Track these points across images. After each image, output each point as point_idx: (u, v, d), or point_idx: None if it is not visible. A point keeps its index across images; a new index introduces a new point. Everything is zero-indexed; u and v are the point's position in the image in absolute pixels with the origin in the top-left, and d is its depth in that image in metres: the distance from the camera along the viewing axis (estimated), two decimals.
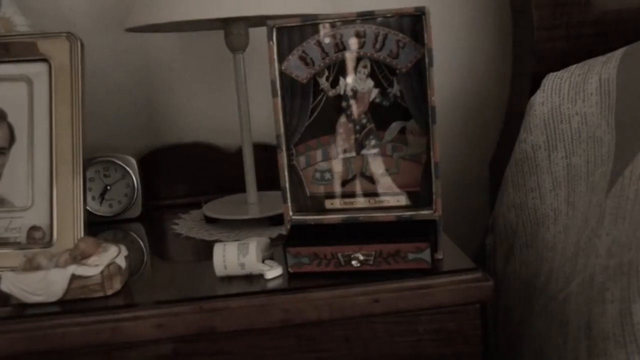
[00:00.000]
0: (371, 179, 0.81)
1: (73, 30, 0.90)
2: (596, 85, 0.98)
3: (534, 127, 1.03)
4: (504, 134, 1.24)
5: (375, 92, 0.79)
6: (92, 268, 0.75)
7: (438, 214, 0.78)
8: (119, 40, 1.20)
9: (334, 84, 0.79)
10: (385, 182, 0.80)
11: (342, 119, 0.80)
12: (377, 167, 0.80)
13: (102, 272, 0.76)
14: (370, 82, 0.79)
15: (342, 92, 0.80)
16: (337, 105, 0.80)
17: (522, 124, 1.06)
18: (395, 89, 0.78)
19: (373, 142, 0.80)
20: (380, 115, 0.79)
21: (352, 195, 0.81)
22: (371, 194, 0.81)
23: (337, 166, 0.81)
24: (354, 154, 0.81)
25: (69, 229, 0.86)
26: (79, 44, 0.89)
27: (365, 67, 0.78)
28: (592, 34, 1.12)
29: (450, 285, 0.75)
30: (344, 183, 0.81)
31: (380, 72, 0.78)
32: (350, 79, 0.79)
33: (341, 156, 0.81)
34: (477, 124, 1.31)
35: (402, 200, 0.80)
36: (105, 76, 1.21)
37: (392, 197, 0.80)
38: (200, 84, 1.24)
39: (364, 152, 0.80)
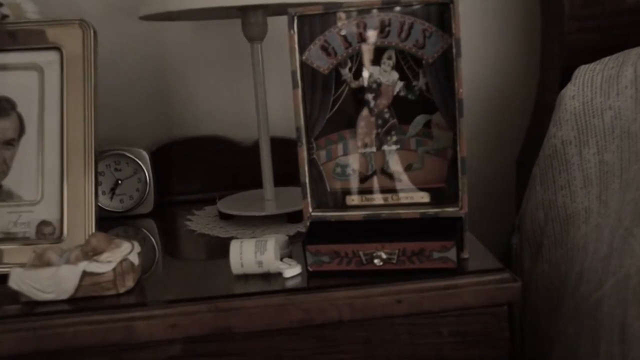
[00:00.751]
0: (392, 176, 0.80)
1: (85, 18, 0.90)
2: (631, 77, 0.97)
3: (564, 122, 1.02)
4: (533, 129, 1.23)
5: (400, 85, 0.78)
6: (104, 265, 0.75)
7: (464, 212, 0.78)
8: (132, 28, 1.20)
9: (357, 75, 0.79)
10: (408, 178, 0.80)
11: (364, 113, 0.80)
12: (399, 162, 0.80)
13: (114, 269, 0.76)
14: (395, 75, 0.78)
15: (365, 84, 0.79)
16: (360, 98, 0.79)
17: (552, 119, 1.05)
18: (421, 82, 0.78)
19: (395, 138, 0.79)
20: (404, 109, 0.79)
21: (374, 191, 0.81)
22: (392, 190, 0.80)
23: (359, 161, 0.81)
24: (374, 149, 0.80)
25: (80, 224, 0.86)
26: (91, 31, 0.89)
27: (390, 58, 0.78)
28: (627, 23, 1.11)
29: (477, 286, 0.74)
30: (365, 178, 0.81)
31: (405, 64, 0.78)
32: (374, 71, 0.78)
33: (361, 151, 0.80)
34: (504, 118, 1.30)
35: (426, 197, 0.80)
36: (118, 66, 1.21)
37: (416, 193, 0.80)
38: (216, 75, 1.24)
39: (385, 147, 0.80)
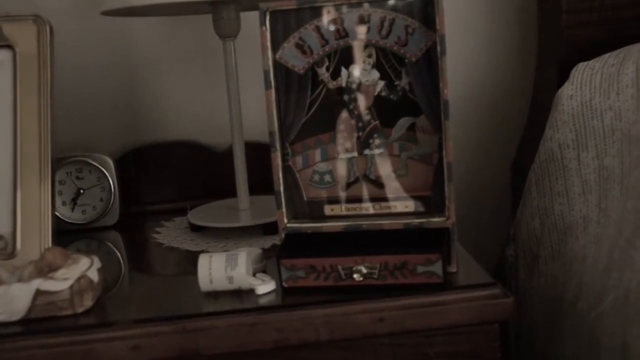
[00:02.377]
0: (376, 182, 0.80)
1: (41, 13, 0.90)
2: (633, 76, 0.97)
3: (562, 124, 1.02)
4: (528, 131, 1.23)
5: (381, 84, 0.78)
6: (60, 282, 0.75)
7: (451, 222, 0.78)
8: (94, 24, 1.19)
9: (335, 75, 0.79)
10: (391, 185, 0.80)
11: (344, 115, 0.80)
12: (383, 168, 0.80)
13: (71, 287, 0.75)
14: (375, 74, 0.78)
15: (344, 85, 0.79)
16: (339, 99, 0.79)
17: (548, 121, 1.05)
18: (403, 82, 0.78)
19: (378, 141, 0.79)
20: (386, 110, 0.79)
21: (356, 200, 0.81)
22: (377, 198, 0.80)
23: (339, 167, 0.81)
24: (355, 154, 0.80)
25: (35, 238, 0.86)
26: (47, 28, 0.89)
27: (370, 56, 0.78)
28: (629, 17, 1.11)
29: (466, 302, 0.74)
30: (347, 186, 0.81)
31: (387, 62, 0.78)
32: (353, 70, 0.78)
33: (342, 156, 0.80)
34: (496, 120, 1.31)
35: (411, 205, 0.80)
36: (78, 65, 1.21)
37: (400, 202, 0.80)
38: (186, 75, 1.24)
39: (367, 152, 0.80)
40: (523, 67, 1.28)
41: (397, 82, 0.78)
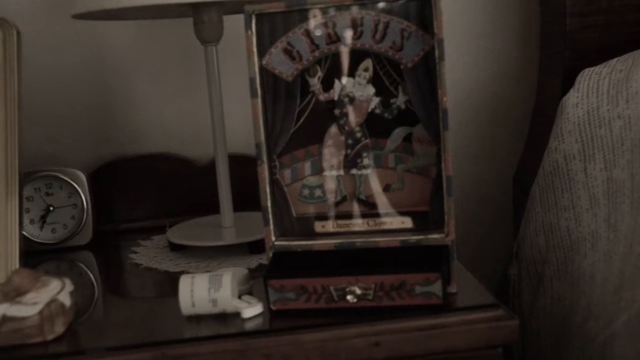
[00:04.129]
0: (367, 203, 0.80)
1: (7, 16, 0.89)
2: None
3: (567, 134, 1.03)
4: (530, 142, 1.23)
5: (375, 101, 0.78)
6: (29, 307, 0.74)
7: (451, 239, 0.78)
8: (64, 28, 1.19)
9: (326, 84, 0.79)
10: (386, 201, 0.80)
11: (333, 129, 0.80)
12: (375, 184, 0.80)
13: (41, 312, 0.74)
14: (370, 89, 0.78)
15: (335, 98, 0.79)
16: (329, 112, 0.79)
17: (553, 130, 1.06)
18: (400, 100, 0.78)
19: (367, 160, 0.79)
20: (379, 127, 0.79)
21: (347, 216, 0.81)
22: (369, 215, 0.80)
23: (329, 182, 0.80)
24: (342, 172, 0.80)
25: (1, 260, 0.85)
26: (14, 32, 0.89)
27: (366, 70, 0.78)
28: (637, 20, 1.12)
29: (467, 325, 0.74)
30: (335, 205, 0.81)
31: (382, 70, 0.78)
32: (347, 83, 0.78)
33: (327, 173, 0.80)
34: (497, 130, 1.31)
35: (408, 222, 0.80)
36: (48, 72, 1.21)
37: (396, 218, 0.80)
38: (165, 83, 1.24)
39: (355, 171, 0.80)
40: (525, 73, 1.29)
41: (392, 100, 0.78)
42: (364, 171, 0.79)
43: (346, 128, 0.79)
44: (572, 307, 0.95)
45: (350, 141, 0.79)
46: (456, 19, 1.25)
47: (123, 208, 1.21)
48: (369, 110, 0.79)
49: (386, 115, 0.78)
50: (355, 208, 0.80)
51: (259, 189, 0.80)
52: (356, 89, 0.79)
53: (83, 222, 1.11)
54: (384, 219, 0.80)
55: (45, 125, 1.21)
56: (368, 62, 0.78)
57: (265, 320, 0.77)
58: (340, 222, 0.81)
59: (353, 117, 0.79)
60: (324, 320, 0.74)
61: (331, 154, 0.80)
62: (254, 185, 0.84)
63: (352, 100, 0.79)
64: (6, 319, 0.74)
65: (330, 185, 0.80)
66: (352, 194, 0.80)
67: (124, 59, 1.23)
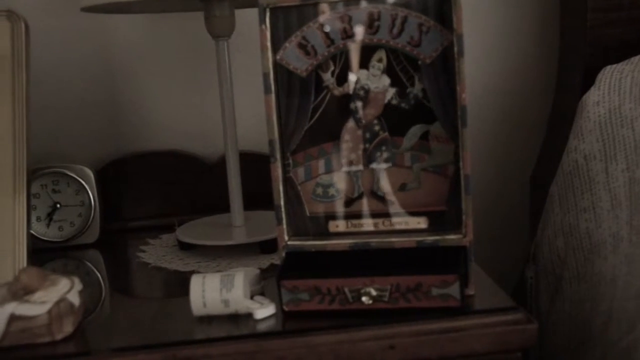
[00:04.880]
0: (383, 199, 0.80)
1: (15, 8, 0.90)
2: None
3: (587, 133, 1.02)
4: (549, 141, 1.23)
5: (391, 91, 0.78)
6: (38, 306, 0.74)
7: (469, 240, 0.78)
8: (73, 22, 1.20)
9: (341, 79, 0.79)
10: (402, 200, 0.80)
11: (350, 124, 0.80)
12: (392, 181, 0.80)
13: (49, 312, 0.75)
14: (385, 80, 0.78)
15: (350, 92, 0.79)
16: (344, 106, 0.79)
17: (572, 129, 1.06)
18: (416, 89, 0.78)
19: (386, 154, 0.79)
20: (397, 119, 0.79)
21: (361, 215, 0.81)
22: (384, 214, 0.80)
23: (343, 180, 0.81)
24: (361, 167, 0.80)
25: (8, 258, 0.85)
26: (22, 25, 0.89)
27: (380, 60, 0.78)
28: None
29: (485, 329, 0.74)
30: (351, 201, 0.81)
31: (398, 65, 0.78)
32: (361, 75, 0.78)
33: (345, 169, 0.80)
34: (514, 128, 1.31)
35: (424, 222, 0.80)
36: (56, 67, 1.21)
37: (411, 218, 0.80)
38: (174, 78, 1.24)
39: (374, 165, 0.80)
40: (544, 70, 1.29)
41: (409, 89, 0.78)
42: (383, 165, 0.79)
43: (363, 122, 0.79)
44: (592, 311, 0.95)
45: (368, 135, 0.79)
46: (472, 14, 1.25)
47: (131, 206, 1.21)
48: (385, 102, 0.79)
49: (403, 105, 0.78)
50: (372, 206, 0.80)
51: (272, 187, 0.80)
52: (371, 80, 0.79)
53: (90, 219, 1.11)
54: (399, 219, 0.80)
55: (52, 121, 1.22)
56: (381, 53, 0.78)
57: (278, 321, 0.77)
58: (355, 221, 0.81)
59: (369, 110, 0.79)
60: (338, 322, 0.75)
61: (349, 149, 0.80)
62: (264, 184, 0.85)
63: (367, 92, 0.79)
64: (14, 317, 0.74)
65: (347, 182, 0.80)
66: (369, 190, 0.80)
67: (132, 53, 1.23)
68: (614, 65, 1.05)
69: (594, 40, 1.12)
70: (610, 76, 1.04)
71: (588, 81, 1.08)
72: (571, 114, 1.09)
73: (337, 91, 0.79)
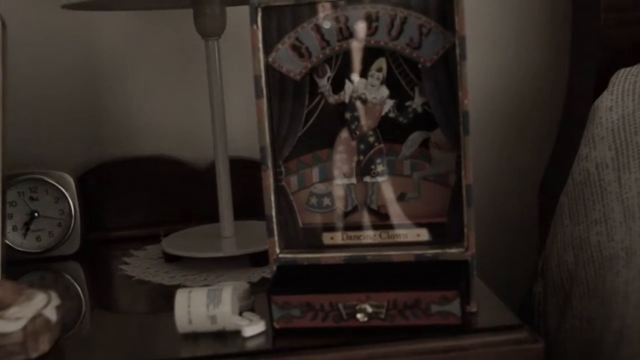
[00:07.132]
0: (379, 213, 0.80)
1: None
2: None
3: (599, 140, 1.03)
4: (559, 149, 1.24)
5: (389, 103, 0.79)
6: (11, 323, 0.74)
7: (470, 253, 0.78)
8: (53, 20, 1.20)
9: (337, 84, 0.79)
10: (401, 211, 0.80)
11: (344, 134, 0.80)
12: (389, 193, 0.80)
13: (24, 328, 0.75)
14: (384, 91, 0.79)
15: (346, 100, 0.79)
16: (339, 115, 0.80)
17: (583, 136, 1.06)
18: (416, 102, 0.78)
19: (380, 167, 0.80)
20: (393, 131, 0.79)
21: (358, 227, 0.81)
22: (382, 226, 0.80)
23: (338, 190, 0.81)
24: (354, 180, 0.80)
25: None
26: None
27: (379, 70, 0.78)
28: None
29: (488, 348, 0.74)
30: (345, 215, 0.81)
31: (398, 69, 0.78)
32: (358, 84, 0.79)
33: (338, 182, 0.81)
34: (522, 135, 1.31)
35: (424, 234, 0.80)
36: (34, 67, 1.21)
37: (411, 230, 0.80)
38: (161, 80, 1.24)
39: (368, 179, 0.80)
40: (553, 73, 1.29)
41: (408, 103, 0.78)
42: (378, 178, 0.80)
43: (358, 133, 0.80)
44: (603, 329, 0.95)
45: (362, 146, 0.80)
46: (477, 14, 1.25)
47: (114, 215, 1.21)
48: (382, 114, 0.79)
49: (401, 119, 0.79)
50: (367, 219, 0.81)
51: (263, 197, 0.80)
52: (368, 90, 0.79)
53: (70, 229, 1.11)
54: (397, 231, 0.80)
55: (30, 124, 1.22)
56: (382, 62, 0.78)
57: (268, 339, 0.77)
58: (350, 233, 0.81)
59: (365, 121, 0.80)
60: (332, 341, 0.75)
61: (342, 161, 0.80)
62: (256, 192, 0.85)
63: (364, 102, 0.79)
64: None
65: (340, 193, 0.81)
66: (364, 203, 0.81)
67: (116, 53, 1.23)
68: (628, 69, 1.05)
69: (608, 42, 1.12)
70: (624, 80, 1.04)
71: (600, 85, 1.08)
72: (582, 120, 1.09)
73: (333, 99, 0.80)
